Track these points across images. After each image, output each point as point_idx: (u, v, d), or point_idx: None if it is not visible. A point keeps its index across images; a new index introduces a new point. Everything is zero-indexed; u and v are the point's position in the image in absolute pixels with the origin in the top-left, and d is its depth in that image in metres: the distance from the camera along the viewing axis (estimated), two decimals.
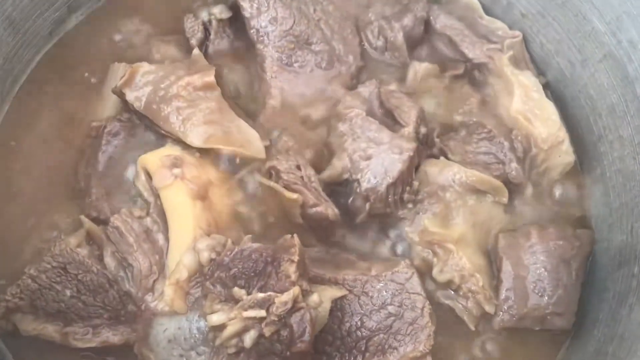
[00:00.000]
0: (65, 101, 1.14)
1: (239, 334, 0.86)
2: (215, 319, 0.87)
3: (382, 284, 0.98)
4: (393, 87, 1.13)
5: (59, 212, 1.05)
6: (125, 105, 1.08)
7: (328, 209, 0.99)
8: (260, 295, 0.86)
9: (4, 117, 1.13)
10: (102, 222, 1.01)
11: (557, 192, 1.14)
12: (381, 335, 0.96)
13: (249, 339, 0.85)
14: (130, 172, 1.05)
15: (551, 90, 1.18)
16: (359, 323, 0.97)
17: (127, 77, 1.05)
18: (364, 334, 0.96)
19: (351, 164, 1.04)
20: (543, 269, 1.04)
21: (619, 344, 0.90)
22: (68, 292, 0.95)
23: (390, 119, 1.10)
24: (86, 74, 1.16)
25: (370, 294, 0.97)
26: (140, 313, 0.95)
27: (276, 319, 0.84)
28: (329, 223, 1.01)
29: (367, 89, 1.13)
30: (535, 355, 1.04)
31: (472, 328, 1.03)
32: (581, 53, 1.10)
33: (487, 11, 1.22)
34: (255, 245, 0.92)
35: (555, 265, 1.04)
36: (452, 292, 1.04)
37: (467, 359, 1.03)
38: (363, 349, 0.96)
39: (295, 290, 0.85)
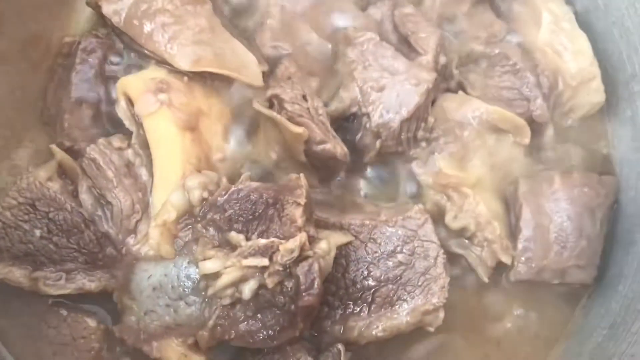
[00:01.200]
0: (30, 14, 1.00)
1: (236, 283, 0.77)
2: (209, 266, 0.77)
3: (391, 230, 0.88)
4: (409, 9, 1.00)
5: (26, 141, 0.93)
6: (102, 20, 0.94)
7: (337, 146, 0.88)
8: (262, 241, 0.76)
9: None
10: (77, 152, 0.89)
11: (582, 133, 1.04)
12: (389, 286, 0.87)
13: (248, 289, 0.76)
14: (107, 96, 0.92)
15: (580, 21, 1.06)
16: (365, 272, 0.88)
17: None
18: (370, 283, 0.88)
19: (361, 95, 0.93)
20: (566, 218, 0.95)
21: None
22: (37, 232, 0.84)
23: (405, 46, 0.98)
24: None
25: (378, 241, 0.88)
26: (121, 257, 0.85)
27: (280, 268, 0.74)
28: (335, 162, 0.89)
29: (379, 10, 1.02)
30: (551, 311, 0.97)
31: (485, 280, 0.95)
32: None
33: None
34: (255, 184, 0.81)
35: (579, 213, 0.96)
36: (466, 241, 0.95)
37: (476, 313, 0.95)
38: (369, 300, 0.87)
39: (303, 236, 0.75)
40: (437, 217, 0.95)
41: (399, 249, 0.88)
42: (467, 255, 0.96)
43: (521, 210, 0.96)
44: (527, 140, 0.98)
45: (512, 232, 0.96)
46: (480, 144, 0.97)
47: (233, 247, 0.77)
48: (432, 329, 0.87)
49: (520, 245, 0.95)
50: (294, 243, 0.74)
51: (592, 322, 0.95)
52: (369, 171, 0.96)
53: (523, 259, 0.94)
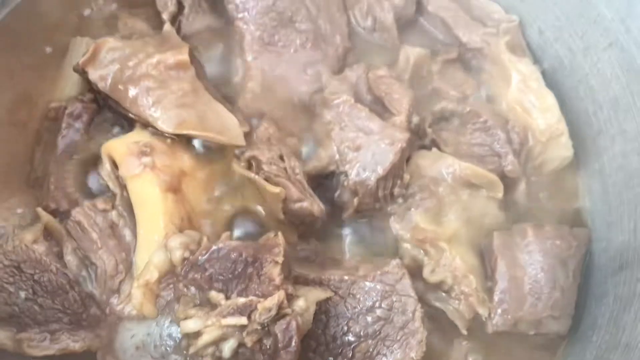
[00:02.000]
0: (19, 78, 1.03)
1: (216, 342, 0.78)
2: (190, 325, 0.79)
3: (370, 285, 0.90)
4: (383, 71, 1.05)
5: (12, 203, 0.94)
6: (88, 85, 0.98)
7: (313, 204, 0.91)
8: (241, 300, 0.78)
9: None
10: (62, 214, 0.91)
11: (553, 187, 1.08)
12: (369, 341, 0.89)
13: (227, 348, 0.77)
14: (92, 160, 0.95)
15: (547, 79, 1.11)
16: (345, 328, 0.89)
17: (91, 54, 0.95)
18: (350, 339, 0.89)
19: (339, 154, 0.97)
20: (539, 269, 0.98)
21: (625, 352, 0.85)
22: (22, 294, 0.85)
23: (379, 106, 1.02)
24: (43, 48, 1.05)
25: (357, 296, 0.90)
26: (105, 317, 0.87)
27: (259, 327, 0.76)
28: (313, 219, 0.92)
29: (354, 73, 1.05)
30: None
31: (464, 332, 0.96)
32: (583, 40, 1.03)
33: None
34: (234, 243, 0.83)
35: (552, 265, 0.98)
36: (444, 294, 0.98)
37: None
38: (350, 355, 0.89)
39: (280, 294, 0.77)
40: (415, 271, 0.97)
41: (377, 304, 0.90)
42: (445, 308, 0.98)
43: (496, 262, 0.98)
44: (500, 194, 1.02)
45: (488, 284, 0.99)
46: (455, 199, 1.00)
47: (213, 306, 0.79)
48: None
49: (496, 298, 0.97)
50: (271, 301, 0.76)
51: None
52: (347, 227, 0.99)
53: (499, 310, 0.96)
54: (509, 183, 1.04)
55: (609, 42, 0.98)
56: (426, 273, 0.97)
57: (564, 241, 1.00)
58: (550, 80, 1.11)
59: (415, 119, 1.01)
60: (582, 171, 1.09)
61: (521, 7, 1.12)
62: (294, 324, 0.77)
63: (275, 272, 0.79)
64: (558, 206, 1.08)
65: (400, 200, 0.99)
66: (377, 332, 0.89)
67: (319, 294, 0.88)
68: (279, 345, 0.76)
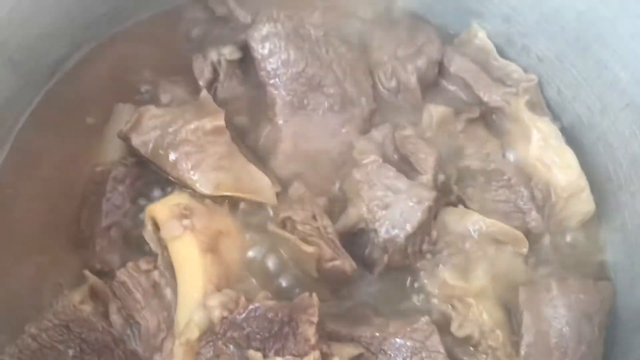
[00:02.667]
0: (67, 143, 1.10)
1: None
2: None
3: (400, 342, 0.94)
4: (408, 132, 1.09)
5: (61, 264, 1.00)
6: (131, 149, 1.04)
7: (345, 263, 0.95)
8: (279, 359, 0.81)
9: (4, 160, 1.08)
10: (107, 274, 0.96)
11: (577, 241, 1.11)
12: None
13: None
14: (136, 222, 1.00)
15: (567, 136, 1.15)
16: None
17: (134, 122, 1.02)
18: None
19: (368, 213, 1.01)
20: (565, 323, 1.00)
21: None
22: (71, 352, 0.90)
23: (406, 165, 1.06)
24: (88, 115, 1.12)
25: (388, 352, 0.93)
26: None
27: None
28: (345, 277, 0.96)
29: (381, 133, 1.10)
30: None
31: None
32: (601, 100, 1.07)
33: (502, 53, 1.20)
34: (271, 303, 0.87)
35: (578, 319, 1.00)
36: (472, 348, 1.00)
37: None
38: None
39: (316, 354, 0.81)
40: (443, 325, 1.00)
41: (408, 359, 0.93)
42: None
43: (522, 317, 1.01)
44: (525, 250, 1.05)
45: (515, 339, 1.01)
46: (482, 255, 1.04)
47: None
48: None
49: (522, 352, 0.99)
50: None
51: None
52: (377, 283, 1.03)
53: None
54: (533, 238, 1.07)
55: (626, 103, 1.02)
56: (454, 328, 0.99)
57: (588, 295, 1.02)
58: (570, 137, 1.15)
59: (442, 178, 1.05)
60: (604, 225, 1.12)
61: (539, 67, 1.17)
62: None
63: (310, 332, 0.83)
64: (582, 260, 1.10)
65: (428, 256, 1.03)
66: None
67: (351, 350, 0.91)
68: None
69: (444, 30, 1.25)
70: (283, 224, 0.97)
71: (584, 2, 1.02)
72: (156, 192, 1.04)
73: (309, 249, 0.92)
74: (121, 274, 0.93)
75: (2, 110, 1.06)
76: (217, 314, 0.88)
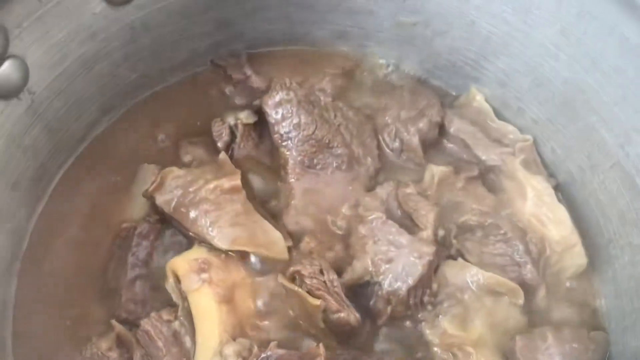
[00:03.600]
0: (96, 202, 1.18)
1: None
2: None
3: None
4: (410, 189, 1.17)
5: (89, 314, 1.08)
6: (154, 207, 1.13)
7: (350, 315, 1.02)
8: None
9: (37, 220, 1.17)
10: (132, 322, 1.04)
11: (571, 292, 1.17)
12: None
13: None
14: (159, 273, 1.08)
15: (562, 192, 1.22)
16: None
17: (158, 182, 1.10)
18: None
19: (372, 266, 1.08)
20: None
21: None
22: None
23: (408, 221, 1.14)
24: (115, 175, 1.20)
25: None
26: None
27: None
28: (350, 327, 1.03)
29: (384, 191, 1.17)
30: None
31: None
32: (590, 160, 1.15)
33: (498, 115, 1.28)
34: (281, 351, 0.94)
35: None
36: None
37: None
38: None
39: None
40: None
41: None
42: None
43: None
44: (521, 301, 1.11)
45: None
46: (480, 306, 1.10)
47: None
48: None
49: None
50: None
51: None
52: (382, 333, 1.09)
53: None
54: (529, 289, 1.13)
55: (612, 163, 1.10)
56: None
57: (581, 344, 1.08)
58: (565, 193, 1.22)
59: (441, 233, 1.13)
60: (597, 277, 1.17)
61: (535, 129, 1.25)
62: None
63: None
64: (577, 310, 1.16)
65: (429, 307, 1.09)
66: None
67: None
68: None
69: (445, 91, 1.34)
70: (292, 278, 1.05)
71: (570, 70, 1.11)
72: (177, 246, 1.12)
73: (316, 301, 0.99)
74: (145, 324, 1.01)
75: (38, 173, 1.14)
76: None
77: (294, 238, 1.13)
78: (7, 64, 0.95)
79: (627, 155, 1.06)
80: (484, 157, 1.24)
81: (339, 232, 1.16)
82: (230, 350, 0.96)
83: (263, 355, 0.94)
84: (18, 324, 1.08)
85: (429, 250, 1.07)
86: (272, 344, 0.96)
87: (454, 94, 1.34)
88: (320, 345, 0.94)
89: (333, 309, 1.00)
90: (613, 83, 1.04)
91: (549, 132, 1.22)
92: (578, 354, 1.07)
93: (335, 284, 1.04)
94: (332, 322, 1.01)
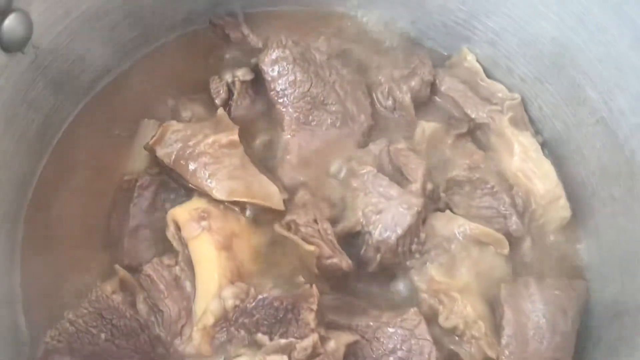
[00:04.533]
0: (98, 155, 1.22)
1: None
2: None
3: (392, 330, 1.04)
4: (401, 145, 1.21)
5: (94, 261, 1.13)
6: (155, 160, 1.17)
7: (342, 260, 1.07)
8: (283, 341, 0.94)
9: (42, 170, 1.21)
10: (134, 269, 1.09)
11: (555, 244, 1.22)
12: None
13: None
14: (160, 222, 1.13)
15: (549, 148, 1.27)
16: None
17: (159, 136, 1.14)
18: None
19: (364, 217, 1.13)
20: (542, 316, 1.10)
21: None
22: (103, 336, 1.02)
23: (399, 175, 1.18)
24: (117, 130, 1.25)
25: (381, 340, 1.05)
26: (169, 356, 1.03)
27: None
28: (342, 273, 1.08)
29: (377, 147, 1.22)
30: None
31: None
32: (575, 116, 1.19)
33: (488, 75, 1.32)
34: (277, 293, 1.00)
35: (553, 313, 1.11)
36: (457, 338, 1.11)
37: None
38: None
39: (315, 337, 0.93)
40: (432, 318, 1.10)
41: (398, 346, 1.04)
42: (459, 350, 1.11)
43: (503, 311, 1.11)
44: (506, 251, 1.16)
45: (497, 330, 1.12)
46: (466, 255, 1.15)
47: (259, 346, 0.95)
48: None
49: (503, 341, 1.09)
50: (307, 342, 0.92)
51: None
52: (372, 280, 1.14)
53: (507, 352, 1.08)
54: (515, 241, 1.19)
55: (596, 119, 1.14)
56: (441, 320, 1.11)
57: (563, 292, 1.13)
58: (551, 149, 1.27)
59: (430, 186, 1.17)
60: (580, 229, 1.23)
61: (523, 87, 1.29)
62: None
63: (310, 318, 0.95)
64: (560, 261, 1.22)
65: (417, 256, 1.14)
66: None
67: (348, 337, 1.03)
68: None
69: (437, 52, 1.38)
70: (288, 227, 1.10)
71: (557, 29, 1.15)
72: (177, 197, 1.16)
73: (310, 247, 1.04)
74: (147, 268, 1.06)
75: (42, 126, 1.19)
76: (230, 303, 1.01)
77: (289, 191, 1.18)
78: (11, 17, 0.98)
79: (611, 111, 1.10)
80: (473, 115, 1.28)
81: (333, 186, 1.20)
82: (228, 292, 1.01)
83: (260, 297, 0.99)
84: (25, 267, 1.14)
85: (417, 201, 1.12)
86: (268, 286, 1.01)
87: (445, 54, 1.38)
88: (314, 286, 0.99)
89: (326, 255, 1.06)
90: (597, 41, 1.08)
91: (536, 91, 1.27)
92: (560, 301, 1.12)
93: (329, 232, 1.09)
94: (325, 268, 1.07)
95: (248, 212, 1.14)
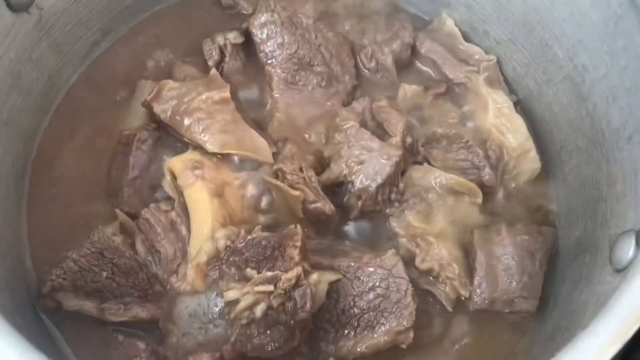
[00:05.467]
0: (99, 114, 1.30)
1: (251, 307, 1.02)
2: (231, 294, 1.03)
3: (371, 270, 1.12)
4: (383, 103, 1.29)
5: (96, 209, 1.21)
6: (152, 117, 1.24)
7: (325, 205, 1.15)
8: (269, 273, 1.02)
9: (45, 129, 1.29)
10: (133, 216, 1.16)
11: (527, 195, 1.30)
12: (370, 313, 1.10)
13: (259, 310, 1.01)
14: (157, 173, 1.21)
15: (522, 107, 1.35)
16: (351, 303, 1.11)
17: (155, 93, 1.22)
18: (355, 312, 1.10)
19: (346, 167, 1.20)
20: (511, 259, 1.19)
21: (571, 319, 1.06)
22: (104, 274, 1.10)
23: (380, 130, 1.26)
24: (116, 90, 1.32)
25: (361, 278, 1.12)
26: (166, 292, 1.11)
27: (282, 292, 1.00)
28: (326, 217, 1.16)
29: (360, 105, 1.29)
30: (506, 335, 1.19)
31: (450, 309, 1.18)
32: (545, 74, 1.27)
33: (466, 38, 1.40)
34: (265, 233, 1.08)
35: (522, 256, 1.19)
36: (432, 279, 1.19)
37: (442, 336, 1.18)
38: (355, 324, 1.10)
39: (298, 269, 1.01)
40: (409, 260, 1.19)
41: (377, 284, 1.11)
42: (434, 290, 1.19)
43: (476, 254, 1.20)
44: (479, 200, 1.24)
45: (470, 272, 1.21)
46: (442, 204, 1.23)
47: (248, 280, 1.04)
48: (404, 346, 1.10)
49: (475, 282, 1.18)
50: (292, 274, 1.00)
51: (535, 341, 1.18)
52: (354, 225, 1.22)
53: (478, 291, 1.18)
54: (489, 191, 1.27)
55: (563, 76, 1.22)
56: (418, 262, 1.19)
57: (531, 237, 1.21)
58: (524, 108, 1.35)
59: (409, 140, 1.24)
60: (550, 180, 1.31)
61: (498, 49, 1.37)
62: (308, 290, 1.01)
63: (294, 253, 1.04)
64: (531, 211, 1.30)
65: (396, 204, 1.22)
66: (377, 306, 1.10)
67: (331, 276, 1.11)
68: (298, 306, 1.00)
69: (419, 17, 1.46)
70: (275, 175, 1.18)
71: None
72: (173, 151, 1.24)
73: (295, 192, 1.12)
74: (145, 213, 1.14)
75: (46, 85, 1.26)
76: (222, 243, 1.09)
77: (277, 145, 1.26)
78: None
79: (575, 67, 1.18)
80: (451, 76, 1.36)
81: (318, 140, 1.28)
82: (221, 234, 1.10)
83: (249, 237, 1.07)
84: (32, 216, 1.22)
85: (396, 153, 1.20)
86: (257, 227, 1.09)
87: (427, 19, 1.45)
88: (298, 225, 1.07)
89: (310, 200, 1.14)
90: (562, 1, 1.16)
91: (510, 52, 1.35)
92: (528, 245, 1.21)
93: (313, 179, 1.17)
94: (310, 212, 1.15)
95: (240, 163, 1.22)
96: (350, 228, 1.23)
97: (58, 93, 1.31)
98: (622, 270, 0.91)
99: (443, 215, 1.23)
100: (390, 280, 1.13)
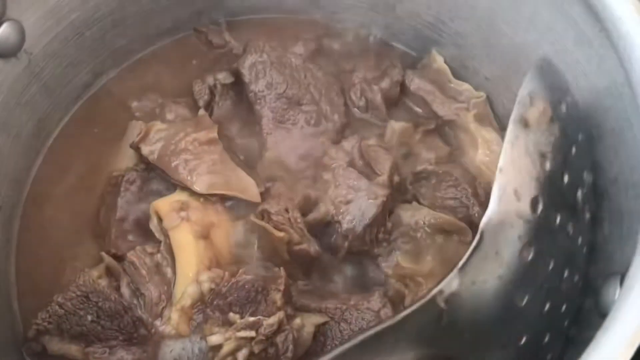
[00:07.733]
0: (90, 154, 1.31)
1: (233, 352, 1.01)
2: (214, 339, 1.03)
3: (359, 312, 1.11)
4: (372, 141, 1.29)
5: (83, 250, 1.21)
6: (141, 158, 1.25)
7: (310, 246, 1.14)
8: (251, 318, 1.01)
9: (37, 169, 1.30)
10: (120, 258, 1.16)
11: None
12: None
13: (241, 356, 1.01)
14: (144, 215, 1.22)
15: None
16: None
17: (143, 134, 1.23)
18: None
19: (334, 207, 1.20)
20: None
21: None
22: (89, 317, 1.09)
23: (368, 169, 1.26)
24: (107, 131, 1.33)
25: (348, 321, 1.11)
26: (151, 336, 1.11)
27: (264, 338, 0.99)
28: (311, 259, 1.16)
29: (349, 143, 1.29)
30: None
31: None
32: None
33: (457, 75, 1.39)
34: (249, 277, 1.08)
35: None
36: None
37: None
38: None
39: (281, 314, 1.01)
40: (398, 300, 1.17)
41: (364, 326, 1.10)
42: None
43: None
44: (468, 239, 1.23)
45: None
46: (431, 243, 1.22)
47: (231, 324, 1.04)
48: None
49: None
50: (273, 319, 1.00)
51: None
52: (343, 267, 1.21)
53: None
54: (477, 229, 1.26)
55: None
56: (407, 302, 1.18)
57: None
58: None
59: (397, 178, 1.24)
60: None
61: (488, 86, 1.36)
62: (290, 336, 1.00)
63: (277, 297, 1.03)
64: None
65: (384, 244, 1.21)
66: None
67: (317, 319, 1.11)
68: (280, 352, 1.00)
69: (409, 55, 1.47)
70: (261, 216, 1.18)
71: (513, 31, 1.22)
72: (162, 192, 1.25)
73: (280, 234, 1.12)
74: (131, 255, 1.14)
75: (37, 128, 1.28)
76: (206, 286, 1.09)
77: (266, 185, 1.26)
78: (5, 26, 1.08)
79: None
80: (440, 113, 1.36)
81: (306, 180, 1.28)
82: (205, 277, 1.10)
83: (233, 280, 1.07)
84: (20, 259, 1.23)
85: (383, 192, 1.19)
86: (241, 270, 1.09)
87: (416, 55, 1.46)
88: (282, 269, 1.07)
89: (295, 241, 1.13)
90: (546, 40, 1.16)
91: (500, 89, 1.34)
92: None
93: (299, 220, 1.16)
94: (295, 253, 1.14)
95: (227, 204, 1.22)
96: (338, 270, 1.22)
97: (49, 135, 1.33)
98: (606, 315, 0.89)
99: (432, 255, 1.22)
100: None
